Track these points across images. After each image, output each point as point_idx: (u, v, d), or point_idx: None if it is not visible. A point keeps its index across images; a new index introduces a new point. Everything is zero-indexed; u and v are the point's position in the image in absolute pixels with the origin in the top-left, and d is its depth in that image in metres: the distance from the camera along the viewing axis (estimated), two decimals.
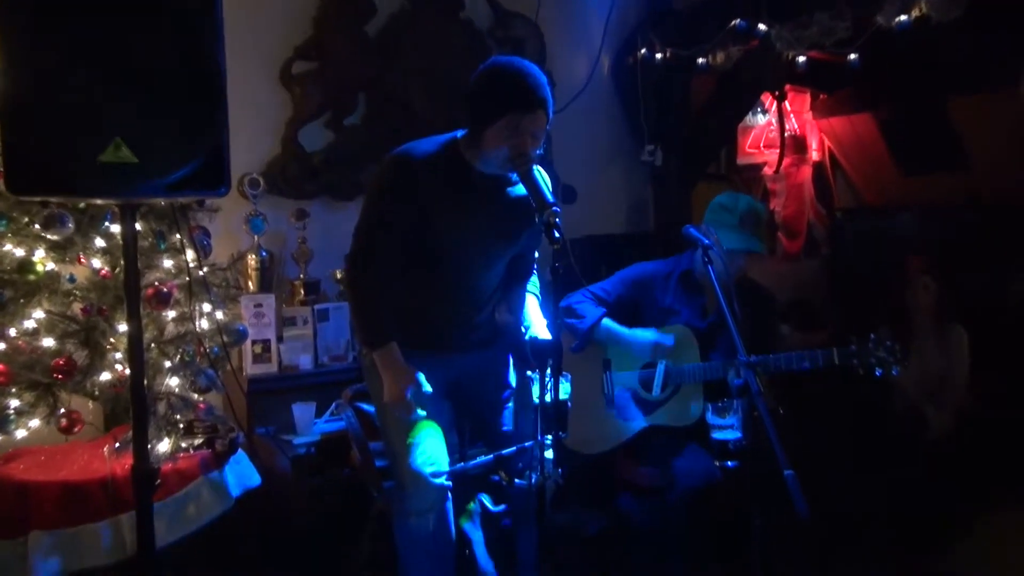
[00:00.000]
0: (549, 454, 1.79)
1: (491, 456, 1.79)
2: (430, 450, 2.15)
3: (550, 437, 1.76)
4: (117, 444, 2.35)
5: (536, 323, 2.31)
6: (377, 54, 3.47)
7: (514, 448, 1.91)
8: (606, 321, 2.78)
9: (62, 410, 2.41)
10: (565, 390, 1.79)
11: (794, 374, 2.53)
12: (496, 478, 1.80)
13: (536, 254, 2.48)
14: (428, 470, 2.11)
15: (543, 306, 2.43)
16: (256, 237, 3.17)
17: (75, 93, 1.50)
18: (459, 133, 2.18)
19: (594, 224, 4.03)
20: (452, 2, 3.66)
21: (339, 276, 3.32)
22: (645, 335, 2.71)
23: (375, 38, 3.48)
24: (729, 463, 2.06)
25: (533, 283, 2.48)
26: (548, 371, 1.75)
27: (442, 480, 2.14)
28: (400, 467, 2.16)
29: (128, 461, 1.79)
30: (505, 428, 2.36)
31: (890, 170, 4.86)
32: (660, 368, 2.71)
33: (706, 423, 2.16)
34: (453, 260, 2.21)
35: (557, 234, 1.81)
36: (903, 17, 2.89)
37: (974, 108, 4.23)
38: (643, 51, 3.97)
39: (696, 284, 2.80)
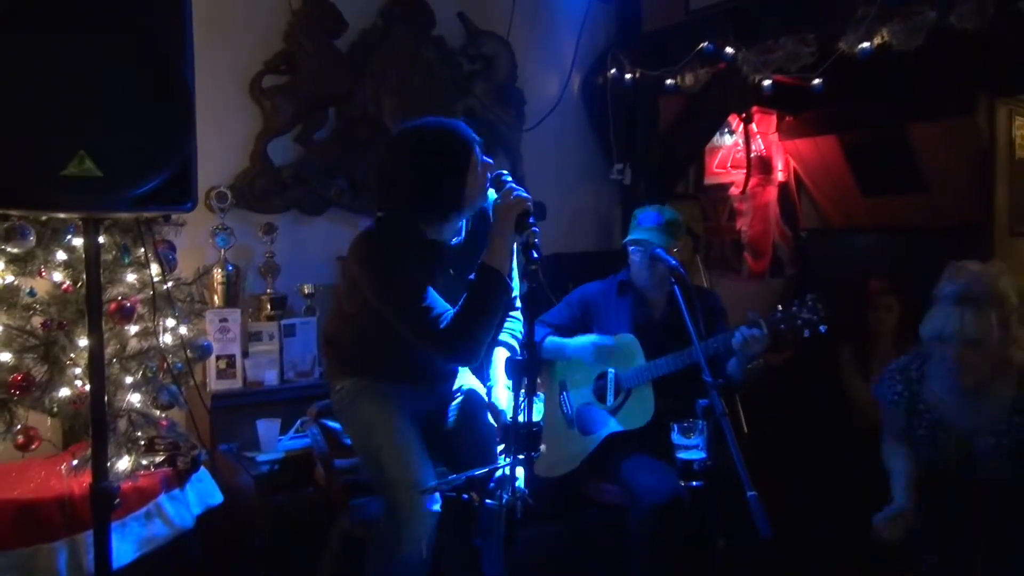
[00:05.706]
0: (520, 474, 1.78)
1: (462, 476, 1.78)
2: (426, 478, 2.14)
3: (522, 457, 1.75)
4: (75, 462, 2.31)
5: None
6: (348, 69, 3.46)
7: (485, 468, 1.91)
8: (549, 338, 2.91)
9: (19, 426, 2.35)
10: (539, 410, 1.79)
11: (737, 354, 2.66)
12: (466, 498, 1.79)
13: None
14: (429, 501, 2.11)
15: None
16: (222, 251, 3.13)
17: (38, 106, 1.48)
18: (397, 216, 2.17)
19: (562, 242, 4.06)
20: (424, 19, 3.66)
21: (307, 297, 3.30)
22: (584, 339, 2.83)
23: (346, 53, 3.47)
24: (694, 483, 2.07)
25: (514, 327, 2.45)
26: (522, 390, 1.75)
27: (437, 507, 2.15)
28: (400, 497, 2.13)
29: (86, 479, 1.75)
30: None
31: (853, 192, 4.96)
32: (610, 376, 2.83)
33: (671, 443, 2.18)
34: None
35: (536, 254, 1.81)
36: (865, 44, 2.96)
37: (932, 134, 4.35)
38: (613, 71, 4.02)
39: (635, 291, 2.94)
